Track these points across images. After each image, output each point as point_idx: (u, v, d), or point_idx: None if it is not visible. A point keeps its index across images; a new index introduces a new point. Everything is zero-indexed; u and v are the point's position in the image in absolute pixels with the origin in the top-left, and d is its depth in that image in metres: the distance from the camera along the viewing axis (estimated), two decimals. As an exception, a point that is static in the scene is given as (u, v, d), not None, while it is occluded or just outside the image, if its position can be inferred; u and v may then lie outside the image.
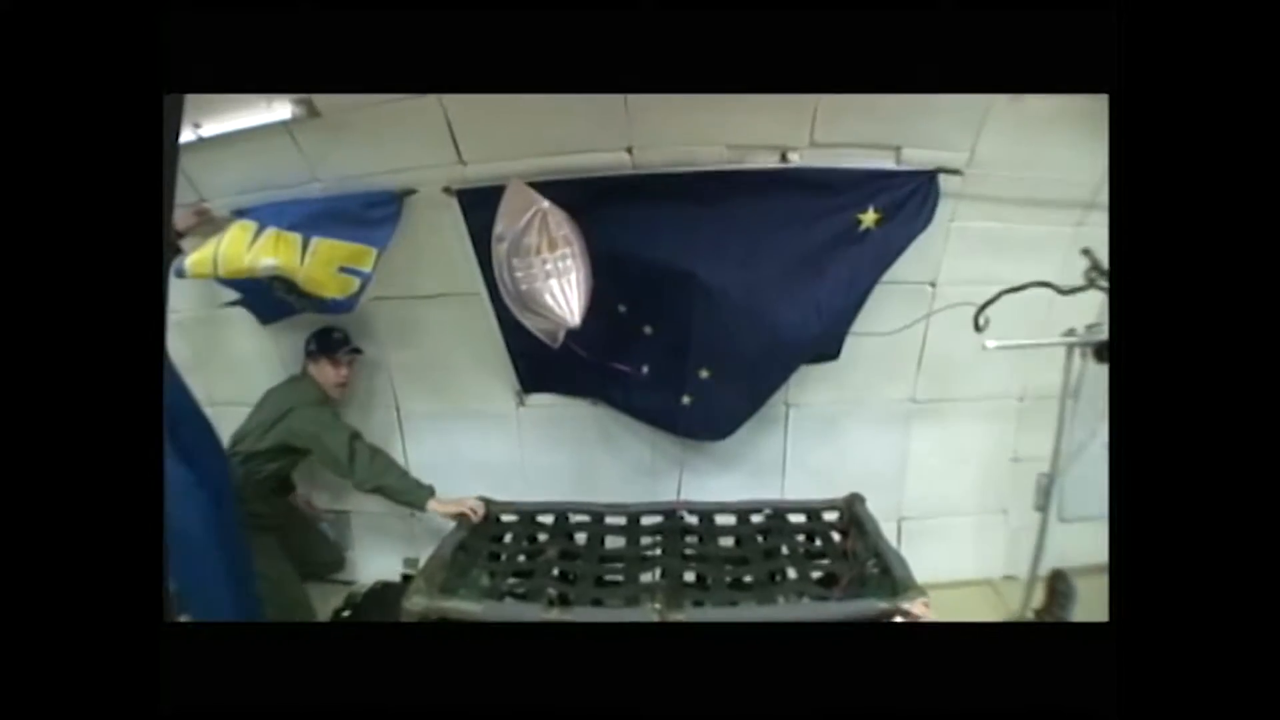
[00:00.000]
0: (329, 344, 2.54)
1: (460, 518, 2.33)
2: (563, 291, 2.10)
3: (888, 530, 2.58)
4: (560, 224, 2.10)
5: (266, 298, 2.45)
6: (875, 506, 2.36)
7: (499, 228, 2.11)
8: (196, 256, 2.19)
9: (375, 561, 2.83)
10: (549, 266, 2.08)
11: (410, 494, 2.36)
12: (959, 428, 2.66)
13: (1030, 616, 2.19)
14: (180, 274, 2.19)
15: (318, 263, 2.22)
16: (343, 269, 2.27)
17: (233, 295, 2.50)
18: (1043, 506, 2.58)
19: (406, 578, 2.66)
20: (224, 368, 2.72)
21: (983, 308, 2.15)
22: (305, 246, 2.20)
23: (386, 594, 2.61)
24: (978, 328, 2.18)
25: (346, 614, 2.56)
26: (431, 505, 2.35)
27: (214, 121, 2.15)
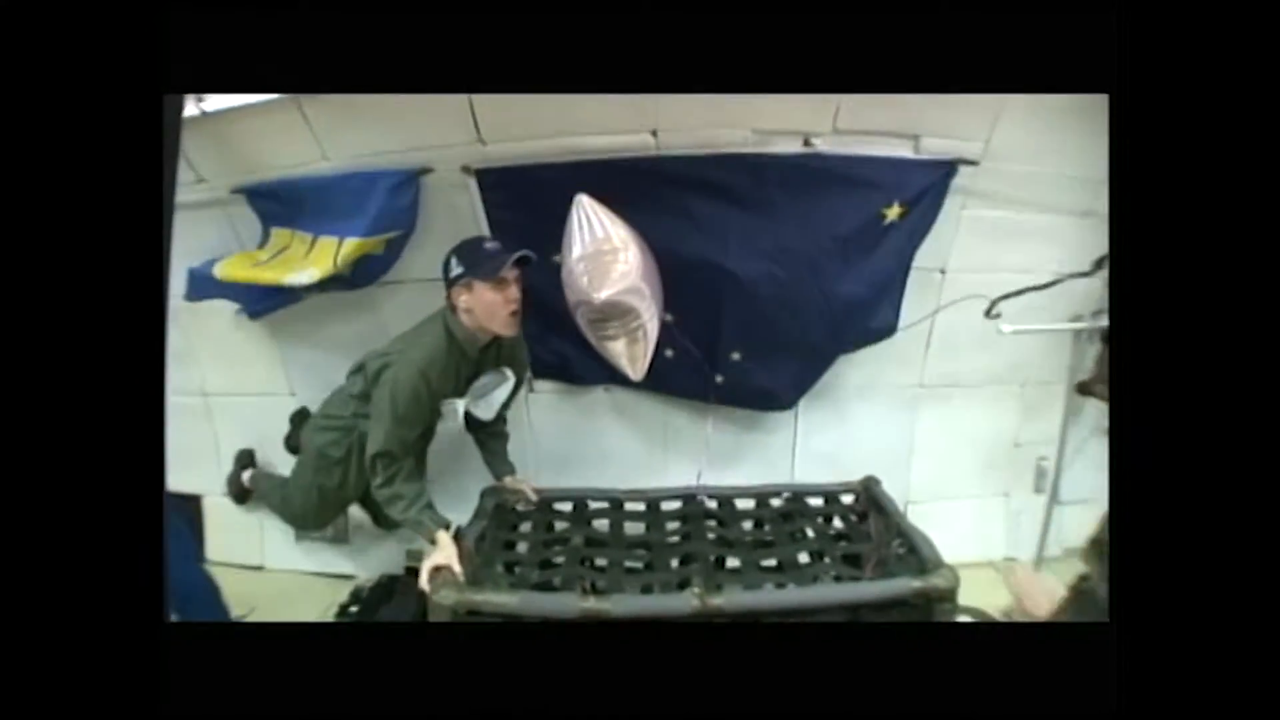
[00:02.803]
0: (482, 259, 1.91)
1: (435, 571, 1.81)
2: (629, 354, 1.96)
3: (897, 513, 2.65)
4: (628, 291, 1.84)
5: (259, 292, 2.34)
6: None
7: (573, 254, 1.85)
8: (231, 266, 2.18)
9: (377, 554, 2.74)
10: (616, 332, 1.92)
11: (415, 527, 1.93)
12: (964, 412, 2.71)
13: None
14: (202, 277, 2.17)
15: (348, 261, 2.17)
16: (364, 255, 2.24)
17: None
18: (1044, 489, 2.66)
19: (410, 570, 2.59)
20: (217, 357, 2.62)
21: (997, 300, 2.22)
22: (338, 251, 2.13)
23: (393, 587, 2.54)
24: (989, 315, 2.24)
25: (354, 609, 2.48)
26: (440, 537, 1.87)
27: (218, 95, 2.05)
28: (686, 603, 1.73)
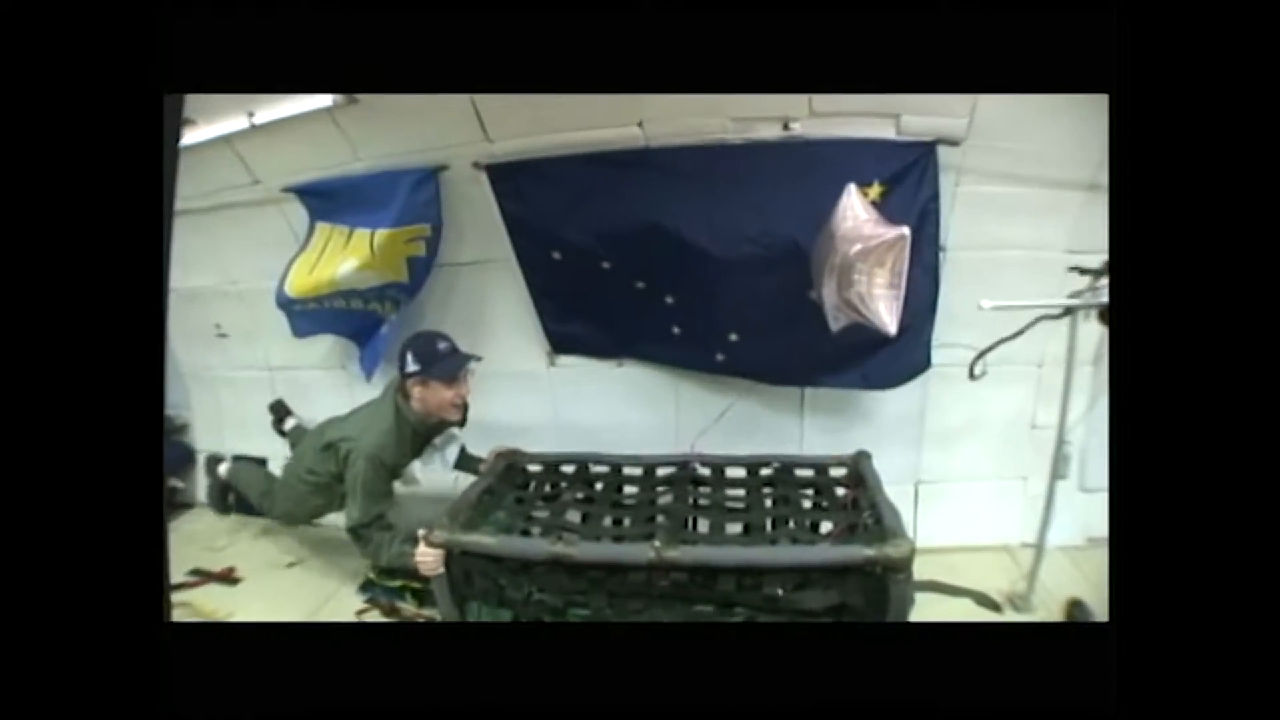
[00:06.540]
0: (437, 359, 2.18)
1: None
2: (889, 305, 2.01)
3: (905, 493, 2.65)
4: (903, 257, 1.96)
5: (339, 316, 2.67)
6: (893, 469, 2.40)
7: (864, 215, 1.99)
8: (296, 278, 2.49)
9: (417, 514, 3.01)
10: (889, 287, 1.99)
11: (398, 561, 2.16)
12: (977, 393, 2.65)
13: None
14: (285, 301, 2.50)
15: (385, 253, 2.45)
16: (409, 257, 2.53)
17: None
18: (1065, 474, 2.56)
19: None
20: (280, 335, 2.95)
21: (980, 355, 2.17)
22: (372, 241, 2.43)
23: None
24: (973, 376, 2.19)
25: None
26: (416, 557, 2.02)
27: (265, 109, 2.40)
28: (644, 553, 1.87)
